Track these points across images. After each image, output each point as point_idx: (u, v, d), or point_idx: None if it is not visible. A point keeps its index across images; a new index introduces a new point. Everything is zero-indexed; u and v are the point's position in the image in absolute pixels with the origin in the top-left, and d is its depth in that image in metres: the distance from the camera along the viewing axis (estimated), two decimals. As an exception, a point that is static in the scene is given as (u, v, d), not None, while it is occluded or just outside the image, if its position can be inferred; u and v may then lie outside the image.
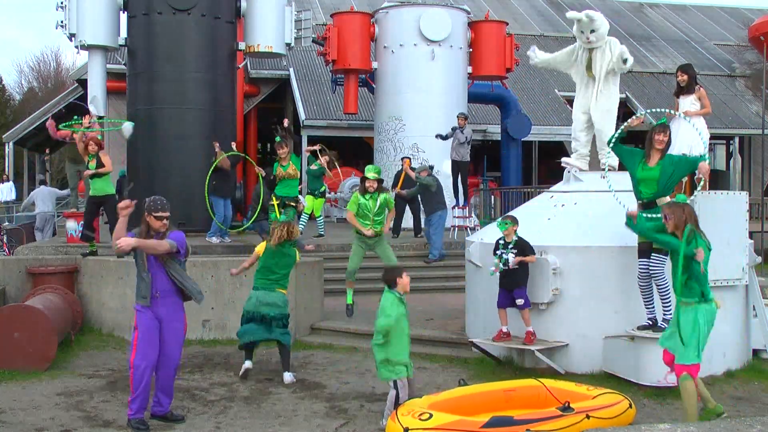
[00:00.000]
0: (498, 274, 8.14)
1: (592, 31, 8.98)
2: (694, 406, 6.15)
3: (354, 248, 10.02)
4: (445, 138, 15.56)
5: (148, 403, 6.62)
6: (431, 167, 13.71)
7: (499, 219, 8.66)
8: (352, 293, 10.12)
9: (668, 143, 7.58)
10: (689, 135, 9.03)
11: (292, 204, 10.97)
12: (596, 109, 9.14)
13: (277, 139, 11.57)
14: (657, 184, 7.41)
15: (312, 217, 14.64)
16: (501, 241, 8.19)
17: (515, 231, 8.14)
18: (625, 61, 8.94)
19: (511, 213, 9.19)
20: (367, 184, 9.64)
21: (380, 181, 9.76)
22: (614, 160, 9.09)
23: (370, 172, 9.67)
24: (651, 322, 7.61)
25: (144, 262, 6.46)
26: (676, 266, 6.22)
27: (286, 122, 12.73)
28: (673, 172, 7.43)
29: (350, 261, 10.02)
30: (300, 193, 11.19)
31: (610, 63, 9.00)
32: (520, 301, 8.04)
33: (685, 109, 9.15)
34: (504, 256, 8.05)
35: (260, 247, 8.36)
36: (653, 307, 7.61)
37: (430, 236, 13.06)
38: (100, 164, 10.88)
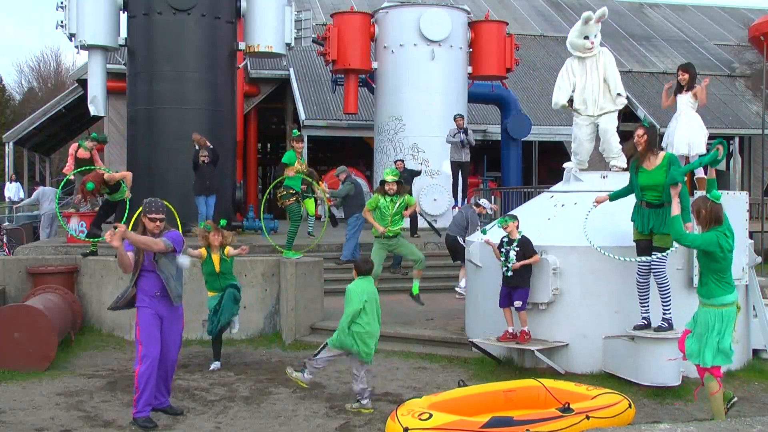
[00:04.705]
0: (502, 271, 8.20)
1: (594, 36, 8.97)
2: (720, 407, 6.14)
3: (374, 250, 9.99)
4: (463, 143, 15.41)
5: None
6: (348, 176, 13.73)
7: (500, 217, 8.73)
8: None
9: (649, 139, 7.48)
10: (687, 133, 9.02)
11: (308, 195, 11.22)
12: (603, 118, 9.09)
13: (296, 132, 11.58)
14: (663, 191, 7.32)
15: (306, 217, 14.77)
16: (505, 239, 8.26)
17: (518, 228, 8.18)
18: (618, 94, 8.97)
19: (511, 212, 9.20)
20: (387, 187, 9.82)
21: (399, 182, 9.89)
22: (621, 162, 9.08)
23: (388, 176, 9.86)
24: (646, 322, 7.60)
25: (140, 263, 6.53)
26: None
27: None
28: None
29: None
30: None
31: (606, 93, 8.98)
32: (518, 304, 8.08)
33: (682, 106, 9.14)
34: (509, 253, 8.11)
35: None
36: (648, 307, 7.61)
37: (347, 237, 12.86)
38: (115, 187, 11.09)
